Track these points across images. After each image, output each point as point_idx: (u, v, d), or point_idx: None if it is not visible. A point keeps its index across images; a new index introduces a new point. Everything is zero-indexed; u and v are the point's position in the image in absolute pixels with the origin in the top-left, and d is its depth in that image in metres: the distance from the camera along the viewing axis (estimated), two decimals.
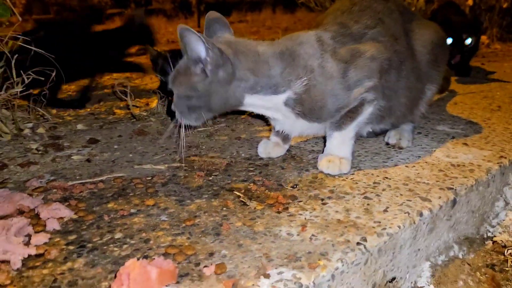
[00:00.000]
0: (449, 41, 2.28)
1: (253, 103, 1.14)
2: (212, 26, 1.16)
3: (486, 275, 1.05)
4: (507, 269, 1.07)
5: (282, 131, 1.29)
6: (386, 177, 1.16)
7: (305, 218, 0.97)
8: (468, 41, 2.29)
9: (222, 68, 1.06)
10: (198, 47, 1.04)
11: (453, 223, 1.10)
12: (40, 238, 0.88)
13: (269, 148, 1.31)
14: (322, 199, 1.05)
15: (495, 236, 1.20)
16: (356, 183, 1.13)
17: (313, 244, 0.87)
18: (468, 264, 1.08)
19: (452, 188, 1.09)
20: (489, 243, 1.17)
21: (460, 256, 1.11)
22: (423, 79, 1.32)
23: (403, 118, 1.35)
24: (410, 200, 1.03)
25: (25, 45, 1.57)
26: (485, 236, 1.21)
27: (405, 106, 1.29)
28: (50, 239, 0.89)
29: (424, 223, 1.00)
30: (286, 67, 1.12)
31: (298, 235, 0.90)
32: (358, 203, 1.03)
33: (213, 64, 1.05)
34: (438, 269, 1.05)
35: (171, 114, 1.20)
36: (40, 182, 1.17)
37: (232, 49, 1.09)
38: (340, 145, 1.19)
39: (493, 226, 1.24)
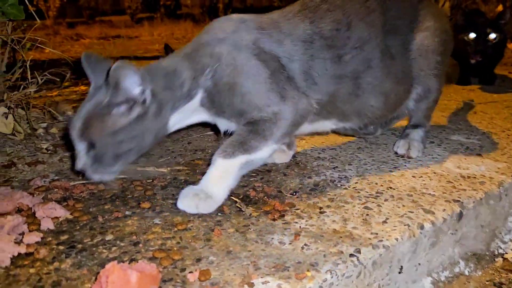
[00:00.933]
0: (472, 36, 2.21)
1: (176, 120, 1.07)
2: (97, 67, 1.04)
3: None
4: None
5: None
6: (390, 187, 1.12)
7: (300, 227, 0.94)
8: (492, 36, 2.21)
9: (154, 100, 1.00)
10: (134, 84, 0.96)
11: (459, 237, 1.05)
12: (33, 237, 0.89)
13: (273, 154, 1.29)
14: (321, 208, 1.02)
15: (506, 253, 1.14)
16: (358, 192, 1.09)
17: (304, 253, 0.85)
18: (474, 281, 1.03)
19: (459, 201, 1.05)
20: (499, 260, 1.12)
21: (466, 273, 1.06)
22: (409, 81, 1.25)
23: (383, 117, 1.28)
24: (412, 212, 0.99)
25: None
26: (496, 252, 1.15)
27: (380, 109, 1.21)
28: (42, 238, 0.90)
29: (425, 237, 0.96)
30: (193, 65, 1.04)
31: (290, 243, 0.88)
32: (357, 213, 0.99)
33: (150, 98, 0.99)
34: (440, 285, 1.00)
35: (78, 173, 1.05)
36: (44, 181, 1.19)
37: (147, 78, 1.00)
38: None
39: (505, 243, 1.18)
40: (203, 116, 1.12)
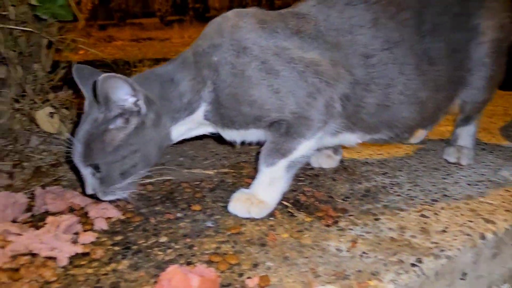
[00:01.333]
0: None
1: (180, 132, 1.02)
2: (90, 81, 0.97)
3: None
4: None
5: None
6: (445, 195, 1.08)
7: (355, 234, 0.91)
8: None
9: (151, 109, 0.95)
10: (125, 94, 0.91)
11: None
12: (88, 237, 0.88)
13: (321, 159, 1.26)
14: (375, 215, 0.99)
15: None
16: (412, 199, 1.06)
17: (364, 262, 0.82)
18: None
19: None
20: None
21: None
22: (454, 86, 1.14)
23: (418, 127, 1.15)
24: (472, 221, 0.96)
25: None
26: None
27: (414, 119, 1.09)
28: (97, 238, 0.90)
29: (487, 247, 0.92)
30: (193, 76, 0.97)
31: (347, 251, 0.85)
32: (413, 221, 0.96)
33: (146, 107, 0.93)
34: None
35: (91, 196, 0.99)
36: None
37: (139, 85, 0.95)
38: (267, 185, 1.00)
39: None
40: (209, 128, 1.06)
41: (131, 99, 0.92)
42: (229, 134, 1.04)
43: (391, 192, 1.10)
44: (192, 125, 1.03)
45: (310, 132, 0.97)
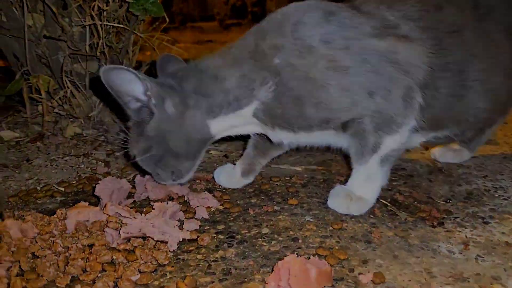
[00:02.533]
0: None
1: (223, 127, 0.97)
2: (165, 68, 1.00)
3: None
4: None
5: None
6: None
7: (465, 236, 0.87)
8: None
9: (167, 100, 0.92)
10: (132, 85, 0.90)
11: None
12: (192, 224, 0.90)
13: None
14: (483, 218, 0.94)
15: None
16: None
17: (481, 265, 0.78)
18: None
19: None
20: None
21: None
22: None
23: (489, 121, 1.10)
24: None
25: None
26: None
27: (488, 111, 1.02)
28: (200, 226, 0.91)
29: None
30: (245, 73, 0.92)
31: (460, 253, 0.81)
32: None
33: (156, 97, 0.91)
34: None
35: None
36: None
37: (175, 77, 0.95)
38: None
39: None
40: (256, 128, 1.00)
41: (141, 89, 0.91)
42: (278, 136, 0.98)
43: (496, 196, 1.04)
44: (237, 122, 0.97)
45: (391, 127, 0.91)
